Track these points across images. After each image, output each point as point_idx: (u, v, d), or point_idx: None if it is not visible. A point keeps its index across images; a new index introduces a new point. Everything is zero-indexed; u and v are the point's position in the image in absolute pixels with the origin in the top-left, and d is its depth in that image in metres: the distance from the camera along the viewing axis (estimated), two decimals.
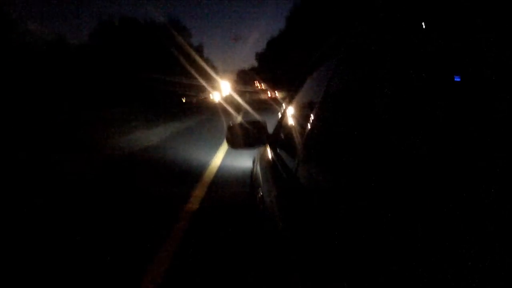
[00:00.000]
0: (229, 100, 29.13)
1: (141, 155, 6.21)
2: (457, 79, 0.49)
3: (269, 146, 1.61)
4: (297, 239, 0.74)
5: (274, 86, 37.98)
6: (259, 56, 55.55)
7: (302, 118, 1.22)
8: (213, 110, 19.92)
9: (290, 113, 1.49)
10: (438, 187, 0.44)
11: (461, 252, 0.37)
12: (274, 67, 37.44)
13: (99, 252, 2.20)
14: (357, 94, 0.75)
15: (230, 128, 1.55)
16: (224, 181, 3.96)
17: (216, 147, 6.08)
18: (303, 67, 1.41)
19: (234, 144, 1.55)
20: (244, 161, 4.15)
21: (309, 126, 1.02)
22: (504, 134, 0.38)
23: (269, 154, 1.55)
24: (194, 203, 3.17)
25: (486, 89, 0.42)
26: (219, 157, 5.28)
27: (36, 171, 4.91)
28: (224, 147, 5.84)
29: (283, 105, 1.68)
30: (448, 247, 0.39)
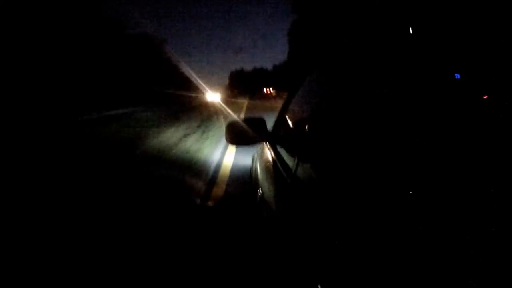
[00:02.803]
0: None
1: None
2: (457, 77, 0.50)
3: (269, 143, 1.61)
4: (296, 237, 0.74)
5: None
6: None
7: (301, 116, 1.22)
8: None
9: (289, 111, 1.49)
10: (436, 186, 0.44)
11: (460, 251, 0.37)
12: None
13: None
14: (356, 94, 0.75)
15: (230, 125, 1.56)
16: None
17: None
18: (302, 65, 1.42)
19: (233, 140, 1.56)
20: None
21: (308, 124, 1.02)
22: (504, 133, 0.38)
23: (268, 152, 1.55)
24: None
25: (486, 88, 0.43)
26: None
27: None
28: None
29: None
30: (447, 247, 0.39)
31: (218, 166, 4.60)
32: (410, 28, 0.61)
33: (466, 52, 0.48)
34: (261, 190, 1.32)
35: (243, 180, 3.50)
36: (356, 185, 0.62)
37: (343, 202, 0.64)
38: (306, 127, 1.03)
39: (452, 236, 0.39)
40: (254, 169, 1.85)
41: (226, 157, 5.03)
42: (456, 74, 0.50)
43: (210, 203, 3.11)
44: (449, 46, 0.51)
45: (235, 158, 4.90)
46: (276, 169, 1.23)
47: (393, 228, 0.48)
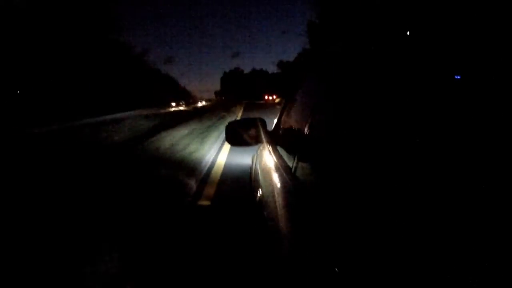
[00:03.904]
0: None
1: None
2: (457, 77, 0.50)
3: (269, 143, 1.62)
4: (296, 237, 0.74)
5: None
6: None
7: (301, 116, 1.23)
8: None
9: (289, 111, 1.50)
10: (436, 185, 0.44)
11: (460, 252, 0.37)
12: None
13: None
14: (356, 94, 0.75)
15: (230, 126, 1.57)
16: None
17: None
18: (303, 65, 1.43)
19: (234, 141, 1.57)
20: None
21: (308, 124, 1.02)
22: (504, 133, 0.38)
23: (268, 152, 1.55)
24: None
25: (486, 88, 0.43)
26: None
27: None
28: None
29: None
30: (446, 247, 0.39)
31: None
32: (410, 29, 0.61)
33: (466, 52, 0.48)
34: (261, 190, 1.32)
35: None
36: (355, 184, 0.62)
37: (342, 200, 0.64)
38: (306, 127, 1.03)
39: (452, 234, 0.39)
40: (254, 169, 1.85)
41: None
42: (456, 75, 0.50)
43: None
44: (449, 46, 0.51)
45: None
46: (276, 169, 1.24)
47: (392, 226, 0.48)
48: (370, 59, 0.73)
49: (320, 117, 0.94)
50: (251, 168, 2.12)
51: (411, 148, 0.51)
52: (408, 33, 0.62)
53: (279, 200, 1.00)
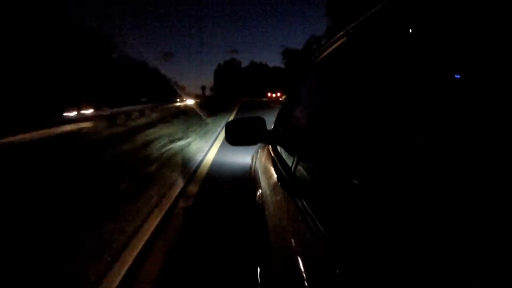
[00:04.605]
0: None
1: None
2: (457, 76, 0.49)
3: (268, 143, 1.62)
4: (296, 237, 0.74)
5: None
6: None
7: (301, 115, 1.22)
8: None
9: (289, 110, 1.50)
10: (436, 185, 0.44)
11: (461, 252, 0.37)
12: None
13: None
14: (356, 93, 0.75)
15: (229, 125, 1.57)
16: None
17: None
18: (303, 64, 1.42)
19: (234, 140, 1.56)
20: None
21: (308, 123, 1.02)
22: (504, 132, 0.38)
23: (268, 151, 1.55)
24: None
25: (486, 87, 0.42)
26: None
27: None
28: None
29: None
30: (447, 247, 0.39)
31: None
32: (410, 28, 0.61)
33: (466, 52, 0.47)
34: (261, 190, 1.32)
35: None
36: (355, 184, 0.62)
37: (342, 200, 0.64)
38: (305, 126, 1.03)
39: (452, 235, 0.39)
40: (254, 168, 1.85)
41: None
42: (456, 74, 0.49)
43: None
44: (449, 46, 0.50)
45: None
46: (275, 168, 1.24)
47: (393, 226, 0.47)
48: (370, 57, 0.72)
49: (320, 116, 0.93)
50: (250, 167, 2.13)
51: (411, 148, 0.51)
52: (410, 30, 0.61)
53: (278, 199, 1.00)
